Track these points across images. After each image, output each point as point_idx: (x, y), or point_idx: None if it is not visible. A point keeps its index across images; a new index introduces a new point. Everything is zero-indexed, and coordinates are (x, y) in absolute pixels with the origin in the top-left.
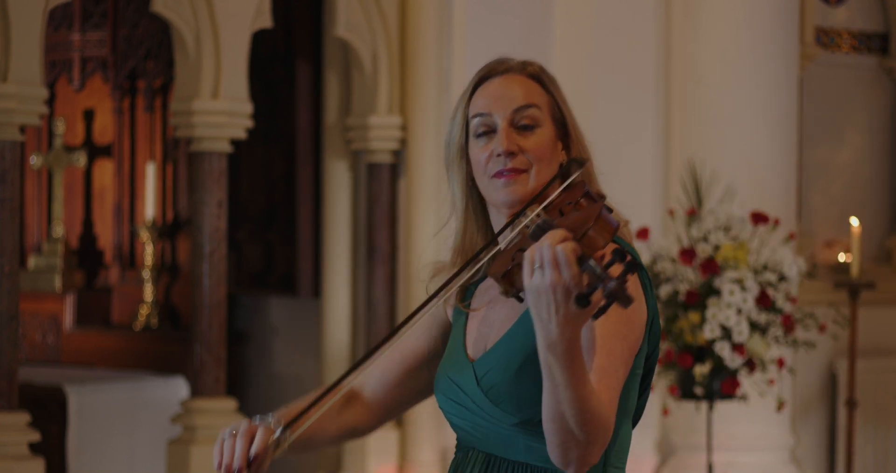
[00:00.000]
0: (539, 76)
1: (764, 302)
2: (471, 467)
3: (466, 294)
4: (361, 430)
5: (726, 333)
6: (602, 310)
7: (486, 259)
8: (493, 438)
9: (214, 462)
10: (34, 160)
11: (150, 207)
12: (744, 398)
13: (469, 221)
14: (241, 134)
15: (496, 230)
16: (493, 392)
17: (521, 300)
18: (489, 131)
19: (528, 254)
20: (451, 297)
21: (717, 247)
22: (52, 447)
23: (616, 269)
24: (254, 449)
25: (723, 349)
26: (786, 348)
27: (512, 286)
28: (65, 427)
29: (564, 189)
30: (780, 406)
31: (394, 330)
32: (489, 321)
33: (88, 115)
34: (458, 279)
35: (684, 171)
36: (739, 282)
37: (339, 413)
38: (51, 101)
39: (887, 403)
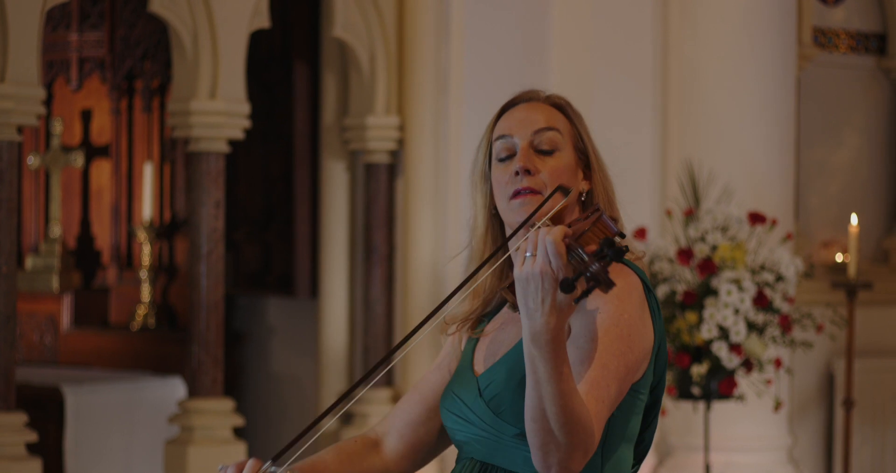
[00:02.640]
0: (563, 106)
1: (761, 302)
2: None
3: (479, 325)
4: None
5: (724, 333)
6: (584, 294)
7: (489, 271)
8: (492, 449)
9: None
10: (31, 160)
11: (147, 207)
12: (741, 398)
13: (487, 246)
14: (238, 134)
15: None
16: (495, 402)
17: None
18: (511, 155)
19: (522, 247)
20: (465, 331)
21: (714, 248)
22: (49, 447)
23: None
24: None
25: (720, 349)
26: (783, 348)
27: (515, 299)
28: (62, 428)
29: (575, 210)
30: (778, 406)
31: (394, 348)
32: (498, 340)
33: (86, 116)
34: (464, 288)
35: (682, 171)
36: (737, 282)
37: (362, 459)
38: (48, 102)
39: (884, 403)
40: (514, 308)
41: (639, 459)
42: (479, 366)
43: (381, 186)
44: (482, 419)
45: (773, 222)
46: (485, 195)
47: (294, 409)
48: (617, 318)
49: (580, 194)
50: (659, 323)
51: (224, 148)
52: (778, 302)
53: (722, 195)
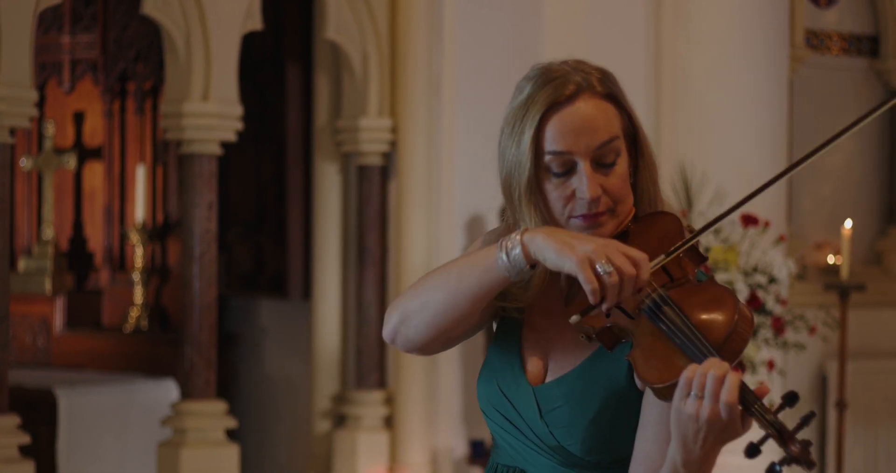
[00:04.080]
0: (613, 93)
1: (754, 304)
2: None
3: (507, 295)
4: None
5: None
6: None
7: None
8: (548, 467)
9: (595, 297)
10: (24, 162)
11: (140, 209)
12: None
13: None
14: (231, 136)
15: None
16: (562, 432)
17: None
18: (567, 170)
19: (685, 377)
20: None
21: (707, 249)
22: (42, 449)
23: (787, 420)
24: (643, 278)
25: None
26: (776, 350)
27: (602, 342)
28: (55, 430)
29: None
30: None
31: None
32: (552, 340)
33: (78, 118)
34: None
35: (674, 173)
36: (729, 284)
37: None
38: (41, 104)
39: (877, 405)
40: (588, 340)
41: None
42: (533, 369)
43: (373, 188)
44: (541, 438)
45: (766, 224)
46: (538, 207)
47: (287, 411)
48: None
49: (631, 185)
50: None
51: (217, 150)
52: (771, 303)
53: (714, 197)
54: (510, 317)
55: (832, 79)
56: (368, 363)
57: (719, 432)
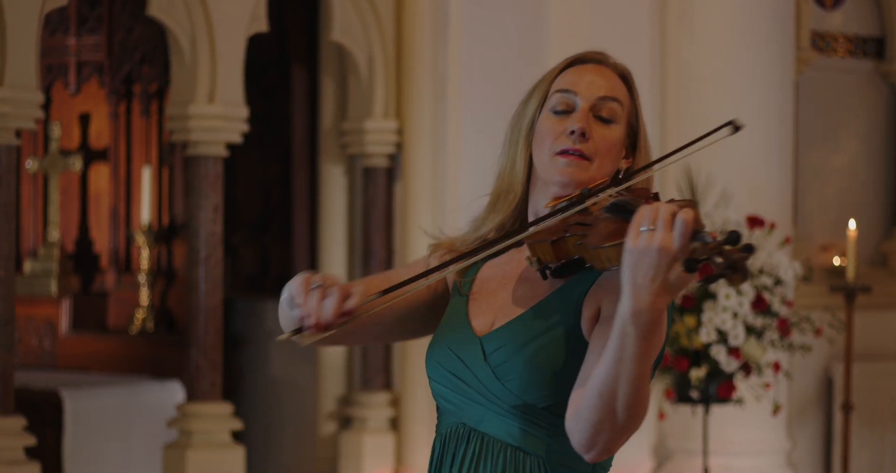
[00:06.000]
0: (629, 80)
1: (760, 306)
2: (465, 444)
3: (467, 272)
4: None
5: (722, 337)
6: (710, 280)
7: (527, 232)
8: (487, 417)
9: (294, 313)
10: (30, 164)
11: (145, 211)
12: (740, 402)
13: (514, 197)
14: (236, 138)
15: (531, 211)
16: (502, 369)
17: (545, 276)
18: (568, 110)
19: (638, 215)
20: (452, 271)
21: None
22: (47, 451)
23: (730, 246)
24: (351, 303)
25: (719, 353)
26: (782, 352)
27: (553, 257)
28: (60, 432)
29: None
30: (776, 410)
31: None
32: (501, 298)
33: (84, 120)
34: (501, 244)
35: (680, 175)
36: (736, 287)
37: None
38: (46, 106)
39: (883, 407)
40: (536, 264)
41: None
42: (480, 324)
43: (379, 190)
44: (483, 383)
45: (772, 226)
46: (529, 143)
47: (292, 413)
48: None
49: (618, 171)
50: (672, 306)
51: (222, 152)
52: (776, 305)
53: (720, 199)
54: (458, 295)
55: (838, 80)
56: (374, 365)
57: (667, 266)
